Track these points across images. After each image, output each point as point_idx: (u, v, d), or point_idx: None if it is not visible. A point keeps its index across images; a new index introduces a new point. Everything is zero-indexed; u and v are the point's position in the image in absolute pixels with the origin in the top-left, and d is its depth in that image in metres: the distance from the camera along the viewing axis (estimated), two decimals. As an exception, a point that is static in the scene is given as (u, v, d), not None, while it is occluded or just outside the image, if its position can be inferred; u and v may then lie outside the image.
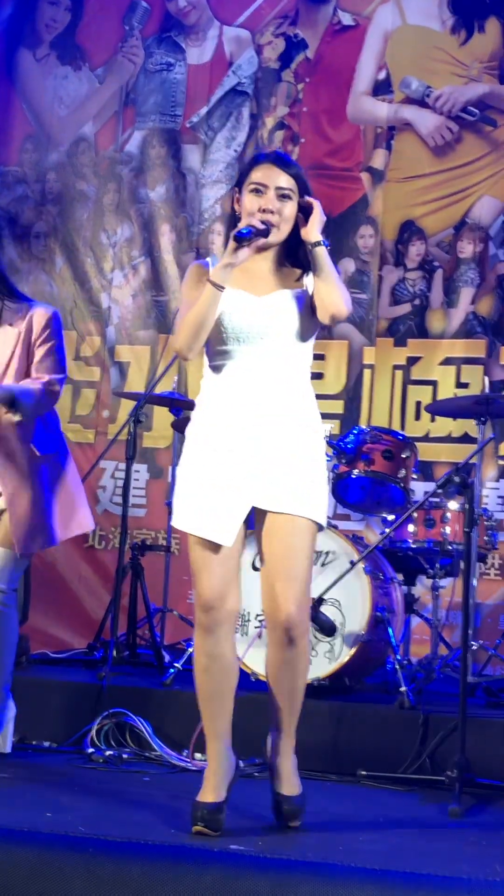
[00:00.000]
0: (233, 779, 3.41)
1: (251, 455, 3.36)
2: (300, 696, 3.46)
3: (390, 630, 4.75)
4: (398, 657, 4.73)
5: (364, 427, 5.49)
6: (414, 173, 6.66)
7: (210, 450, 3.38)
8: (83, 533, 4.30)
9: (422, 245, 6.58)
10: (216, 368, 3.43)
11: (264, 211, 3.38)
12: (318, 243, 3.36)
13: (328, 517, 5.15)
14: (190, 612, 6.05)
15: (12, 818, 3.27)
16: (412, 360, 6.53)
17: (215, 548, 3.35)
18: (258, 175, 3.42)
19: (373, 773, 4.24)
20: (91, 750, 4.30)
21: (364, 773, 4.25)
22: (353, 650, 4.67)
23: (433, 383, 6.46)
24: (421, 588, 5.54)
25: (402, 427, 6.31)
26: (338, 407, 6.59)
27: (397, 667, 4.65)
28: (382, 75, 6.77)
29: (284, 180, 3.40)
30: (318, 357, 6.72)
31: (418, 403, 6.43)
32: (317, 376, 6.67)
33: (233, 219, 3.50)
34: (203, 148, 7.09)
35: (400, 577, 5.18)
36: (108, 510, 6.85)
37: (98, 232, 7.21)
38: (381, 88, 6.76)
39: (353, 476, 5.15)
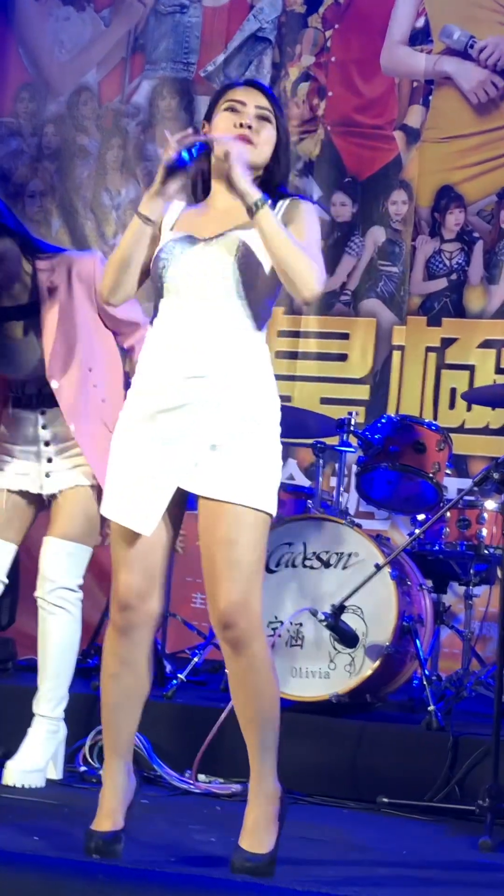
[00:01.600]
0: (132, 802, 3.32)
1: (174, 428, 3.19)
2: (264, 726, 3.22)
3: (418, 642, 4.75)
4: (426, 672, 4.74)
5: (392, 415, 5.50)
6: (453, 133, 6.65)
7: (134, 422, 3.24)
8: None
9: (461, 213, 6.57)
10: (154, 325, 3.29)
11: (241, 126, 3.27)
12: (258, 203, 3.16)
13: (349, 515, 5.19)
14: (196, 618, 6.08)
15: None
16: (447, 342, 6.52)
17: (137, 538, 3.20)
18: (235, 94, 3.32)
19: (395, 800, 4.25)
20: (83, 768, 4.31)
21: (386, 800, 4.26)
22: (376, 663, 4.68)
23: (470, 368, 6.46)
24: (452, 596, 5.55)
25: (435, 416, 6.30)
26: (363, 392, 6.60)
27: (425, 683, 4.66)
28: (421, 23, 6.76)
29: (266, 100, 3.33)
30: (342, 336, 6.78)
31: (453, 390, 6.43)
32: (340, 358, 6.70)
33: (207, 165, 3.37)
34: (219, 100, 7.08)
35: (429, 583, 5.18)
36: (105, 502, 6.85)
37: (100, 192, 7.22)
38: (419, 37, 6.75)
39: (380, 470, 5.15)
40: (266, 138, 3.32)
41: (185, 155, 3.20)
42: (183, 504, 3.29)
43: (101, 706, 3.32)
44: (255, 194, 3.17)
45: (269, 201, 3.20)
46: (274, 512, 3.26)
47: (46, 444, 4.23)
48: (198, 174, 3.39)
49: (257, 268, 3.24)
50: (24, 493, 4.27)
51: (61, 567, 4.17)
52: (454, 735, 4.40)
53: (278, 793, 3.28)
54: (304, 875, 3.29)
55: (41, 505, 4.29)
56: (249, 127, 3.29)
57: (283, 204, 3.32)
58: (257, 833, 3.22)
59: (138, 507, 3.20)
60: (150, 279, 3.30)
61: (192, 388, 3.19)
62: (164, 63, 7.23)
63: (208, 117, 3.37)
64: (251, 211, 3.17)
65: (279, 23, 7.01)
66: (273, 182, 3.35)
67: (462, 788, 4.28)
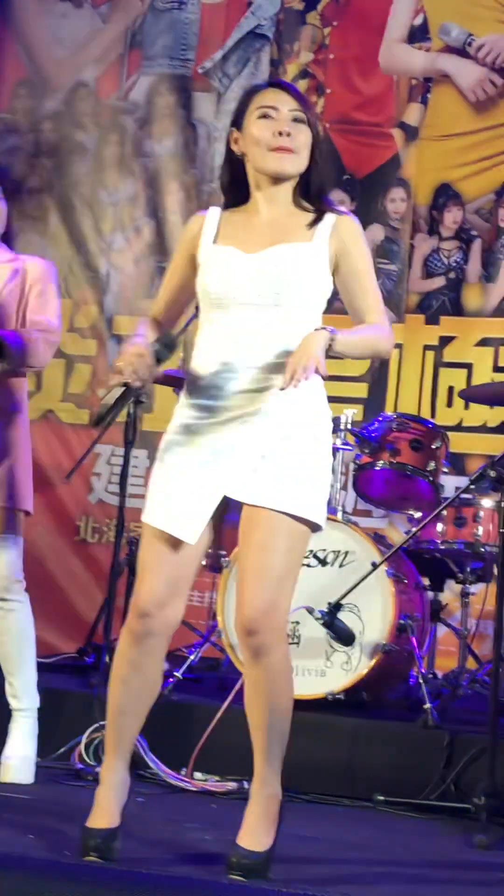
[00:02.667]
0: (126, 801, 3.32)
1: (227, 439, 3.19)
2: (274, 734, 3.24)
3: (414, 640, 4.76)
4: (422, 670, 4.75)
5: (390, 413, 5.52)
6: (452, 131, 6.65)
7: (183, 432, 3.25)
8: (23, 510, 4.30)
9: (459, 211, 6.58)
10: (202, 338, 3.30)
11: (280, 134, 3.20)
12: (331, 342, 3.14)
13: (347, 513, 5.20)
14: (193, 616, 6.07)
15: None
16: (445, 340, 6.53)
17: (172, 546, 3.20)
18: (265, 99, 3.26)
19: (391, 798, 4.26)
20: (79, 766, 4.32)
21: (381, 797, 4.27)
22: (373, 661, 4.69)
23: (468, 366, 6.46)
24: (449, 594, 5.55)
25: (433, 415, 6.31)
26: (361, 391, 6.60)
27: (421, 681, 4.67)
28: (419, 20, 6.76)
29: (297, 103, 3.25)
30: (340, 334, 6.76)
31: (451, 388, 6.43)
32: (338, 356, 6.69)
33: (231, 164, 3.32)
34: (216, 97, 7.10)
35: (426, 581, 5.19)
36: (102, 500, 6.86)
37: (97, 188, 7.22)
38: (418, 35, 6.75)
39: (377, 468, 5.16)
40: (304, 142, 3.26)
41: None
42: (223, 515, 3.28)
43: (108, 706, 3.33)
44: (325, 342, 3.12)
45: (328, 329, 3.15)
46: (320, 522, 3.23)
47: None
48: (230, 179, 3.34)
49: (304, 282, 3.24)
50: None
51: (6, 564, 4.19)
52: (450, 733, 4.42)
53: (279, 796, 3.29)
54: (300, 873, 3.31)
55: None
56: (289, 134, 3.24)
57: (330, 221, 3.29)
58: (256, 832, 3.23)
59: (183, 515, 3.20)
60: (198, 292, 3.30)
61: (243, 402, 3.20)
62: (161, 59, 7.23)
63: (237, 124, 3.31)
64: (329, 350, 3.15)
65: (277, 20, 7.01)
66: (312, 186, 3.31)
67: (458, 786, 4.29)
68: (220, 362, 3.23)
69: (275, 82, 3.38)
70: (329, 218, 3.30)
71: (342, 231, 3.30)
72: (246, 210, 3.34)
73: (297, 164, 3.26)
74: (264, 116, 3.25)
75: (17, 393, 4.26)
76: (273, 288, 3.20)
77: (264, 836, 3.24)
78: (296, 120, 3.25)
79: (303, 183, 3.30)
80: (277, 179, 3.28)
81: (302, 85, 6.89)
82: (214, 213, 3.35)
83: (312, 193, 3.30)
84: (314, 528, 3.23)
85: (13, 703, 4.25)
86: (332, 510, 5.04)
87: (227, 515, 3.31)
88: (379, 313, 3.35)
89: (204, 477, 3.20)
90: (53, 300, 4.25)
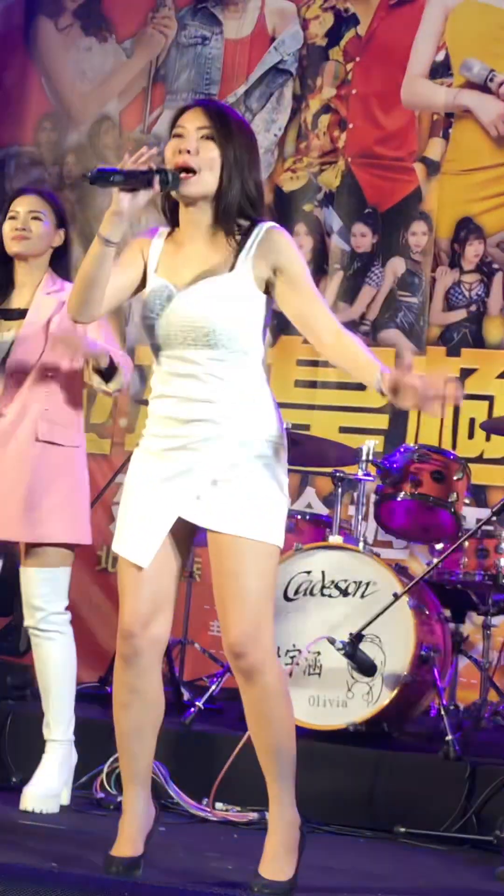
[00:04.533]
0: (152, 830, 3.35)
1: (177, 465, 3.24)
2: (281, 755, 3.25)
3: (436, 672, 4.75)
4: (444, 702, 4.74)
5: (411, 445, 5.50)
6: (473, 166, 6.67)
7: (142, 462, 3.31)
8: (80, 544, 4.31)
9: (480, 245, 6.59)
10: (154, 371, 3.35)
11: (180, 152, 3.19)
12: (380, 387, 3.20)
13: (368, 544, 5.19)
14: (213, 645, 6.08)
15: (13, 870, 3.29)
16: (466, 373, 6.53)
17: (141, 568, 3.24)
18: (181, 119, 3.25)
19: (412, 829, 4.24)
20: (101, 795, 4.32)
21: (402, 829, 4.25)
22: (394, 693, 4.68)
23: (489, 398, 6.46)
24: (470, 626, 5.54)
25: (454, 446, 6.31)
26: (382, 422, 6.60)
27: (442, 713, 4.65)
28: (441, 56, 6.79)
29: (207, 120, 3.23)
30: (362, 366, 6.77)
31: (472, 420, 6.43)
32: (360, 387, 6.70)
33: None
34: (239, 131, 7.12)
35: (447, 612, 5.18)
36: (123, 529, 6.87)
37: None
38: (439, 71, 6.78)
39: (399, 499, 5.16)
40: (209, 160, 3.22)
41: (99, 169, 3.18)
42: (191, 534, 3.33)
43: (116, 736, 3.34)
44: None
45: (380, 374, 3.21)
46: (280, 543, 3.28)
47: None
48: (164, 199, 3.34)
49: (236, 311, 3.24)
50: None
51: (46, 594, 4.20)
52: (472, 765, 4.40)
53: (297, 821, 3.30)
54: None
55: None
56: (188, 152, 3.22)
57: (255, 240, 3.26)
58: (277, 861, 3.24)
59: (139, 540, 3.25)
60: (141, 324, 3.33)
61: (192, 430, 3.25)
62: (185, 94, 7.27)
63: None
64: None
65: (300, 55, 7.05)
66: (220, 205, 3.25)
67: (479, 819, 4.27)
68: (168, 395, 3.28)
69: (197, 102, 3.35)
70: (253, 235, 3.27)
71: (269, 246, 3.26)
72: (177, 236, 3.34)
73: (196, 185, 3.22)
74: (176, 136, 3.25)
75: (69, 426, 4.26)
76: (203, 331, 3.22)
77: (286, 866, 3.24)
78: (203, 137, 3.23)
79: (217, 203, 3.26)
80: (189, 202, 3.27)
81: (325, 120, 6.94)
82: (159, 238, 3.35)
83: (223, 212, 3.25)
84: (279, 547, 3.28)
85: (45, 732, 4.25)
86: (353, 540, 5.05)
87: (200, 537, 3.36)
88: (331, 319, 3.29)
89: (155, 501, 3.25)
90: (111, 332, 4.25)
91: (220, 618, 3.27)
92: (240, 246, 3.27)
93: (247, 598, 3.21)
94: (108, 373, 4.03)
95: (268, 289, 3.29)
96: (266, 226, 3.29)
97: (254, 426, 3.29)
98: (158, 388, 3.33)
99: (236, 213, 3.28)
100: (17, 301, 4.29)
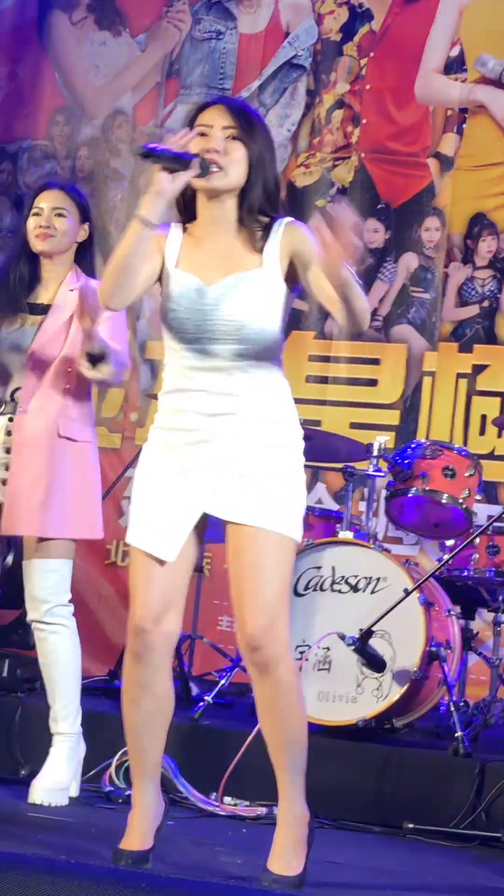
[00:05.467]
0: (161, 824, 3.34)
1: (200, 459, 3.23)
2: (293, 749, 3.25)
3: (445, 668, 4.74)
4: (453, 698, 4.72)
5: (422, 441, 5.49)
6: (487, 161, 6.66)
7: (158, 454, 3.29)
8: (92, 539, 4.31)
9: (493, 241, 6.58)
10: (169, 365, 3.33)
11: (208, 152, 3.21)
12: (344, 284, 3.14)
13: (378, 539, 5.19)
14: (223, 640, 6.08)
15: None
16: (478, 369, 6.52)
17: (158, 563, 3.23)
18: (204, 117, 3.28)
19: (421, 825, 4.24)
20: (109, 788, 4.32)
21: (411, 825, 4.25)
22: (404, 689, 4.67)
23: (501, 394, 6.44)
24: (481, 622, 5.52)
25: (465, 442, 6.29)
26: (393, 418, 6.60)
27: (452, 709, 4.64)
28: (455, 52, 6.77)
29: (233, 119, 3.27)
30: (373, 362, 6.78)
31: (484, 417, 6.42)
32: (371, 383, 6.70)
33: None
34: (253, 126, 7.11)
35: (458, 609, 5.16)
36: (134, 523, 6.86)
37: (132, 215, 7.23)
38: (454, 66, 6.76)
39: (409, 495, 5.14)
40: (236, 159, 3.26)
41: (152, 146, 3.19)
42: (203, 528, 3.32)
43: (125, 731, 3.34)
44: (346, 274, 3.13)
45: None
46: (299, 538, 3.29)
47: (7, 451, 4.23)
48: (181, 196, 3.32)
49: (264, 313, 3.27)
50: None
51: (50, 587, 4.19)
52: (481, 762, 4.39)
53: (307, 816, 3.29)
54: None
55: None
56: (217, 151, 3.24)
57: (277, 236, 3.28)
58: (286, 856, 3.23)
59: (162, 534, 3.24)
60: (161, 317, 3.31)
61: (214, 424, 3.25)
62: (198, 88, 7.26)
63: None
64: (342, 286, 3.14)
65: (314, 50, 7.04)
66: (246, 202, 3.28)
67: (488, 815, 4.27)
68: (189, 389, 3.27)
69: (218, 99, 3.38)
70: (274, 230, 3.29)
71: (289, 239, 3.28)
72: (196, 231, 3.34)
73: (224, 180, 3.25)
74: (201, 134, 3.26)
75: (83, 421, 4.26)
76: (235, 324, 3.23)
77: (294, 860, 3.24)
78: (230, 137, 3.26)
79: (241, 200, 3.29)
80: (213, 196, 3.28)
81: (338, 115, 6.92)
82: (175, 234, 3.33)
83: (247, 210, 3.28)
84: (296, 542, 3.29)
85: (52, 726, 4.25)
86: (363, 536, 5.04)
87: (206, 533, 3.35)
88: None
89: (181, 496, 3.24)
90: (123, 326, 4.23)
91: (236, 610, 3.25)
92: (263, 241, 3.29)
93: (266, 591, 3.20)
94: (97, 358, 4.02)
95: (289, 281, 3.31)
96: (285, 221, 3.32)
97: (276, 420, 3.31)
98: (176, 383, 3.31)
99: (258, 210, 3.31)
100: (42, 296, 4.30)
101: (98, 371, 4.03)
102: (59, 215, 4.28)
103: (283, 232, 3.29)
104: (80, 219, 4.32)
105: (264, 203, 3.30)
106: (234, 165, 3.25)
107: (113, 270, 3.24)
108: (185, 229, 3.36)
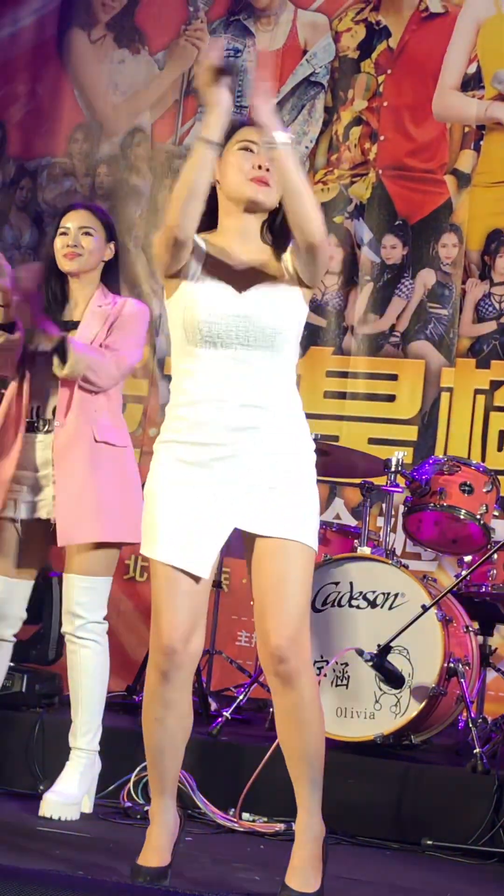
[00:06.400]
0: (178, 839, 3.34)
1: (229, 474, 3.23)
2: (313, 762, 3.26)
3: (463, 684, 4.72)
4: (471, 715, 4.70)
5: (440, 456, 5.48)
6: (504, 178, 6.67)
7: (182, 468, 3.26)
8: (136, 543, 4.32)
9: (510, 257, 6.58)
10: (187, 374, 3.29)
11: (259, 167, 3.27)
12: (284, 142, 3.17)
13: (396, 555, 5.18)
14: (241, 656, 6.07)
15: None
16: (496, 385, 6.51)
17: (185, 580, 3.22)
18: (248, 134, 3.32)
19: (439, 842, 4.22)
20: (128, 804, 4.31)
21: (430, 842, 4.23)
22: (422, 705, 4.65)
23: (519, 411, 6.45)
24: (499, 638, 5.51)
25: (483, 458, 6.29)
26: (411, 433, 6.59)
27: (470, 725, 4.62)
28: (473, 69, 6.78)
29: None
30: (391, 378, 6.78)
31: (501, 432, 6.41)
32: (389, 399, 6.70)
33: (212, 197, 3.33)
34: (271, 143, 7.13)
35: (476, 625, 5.15)
36: (152, 539, 6.86)
37: (151, 232, 7.26)
38: (471, 83, 6.77)
39: (427, 510, 5.13)
40: (277, 182, 3.30)
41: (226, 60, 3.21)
42: (223, 544, 3.31)
43: (146, 749, 3.33)
44: (278, 128, 3.18)
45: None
46: (316, 547, 3.33)
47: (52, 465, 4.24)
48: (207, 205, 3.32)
49: (293, 322, 3.31)
50: (38, 522, 4.26)
51: (87, 602, 4.21)
52: (499, 779, 4.37)
53: (323, 832, 3.29)
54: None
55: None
56: (268, 169, 3.30)
57: (288, 250, 3.35)
58: (305, 872, 3.23)
59: (194, 551, 3.23)
60: (182, 322, 3.28)
61: (240, 439, 3.25)
62: (216, 106, 7.27)
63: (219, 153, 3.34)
64: (271, 144, 3.17)
65: (332, 68, 7.05)
66: (277, 223, 3.35)
67: (507, 832, 4.25)
68: (212, 399, 3.26)
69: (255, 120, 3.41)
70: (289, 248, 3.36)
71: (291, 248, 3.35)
72: (219, 240, 3.36)
73: (269, 196, 3.31)
74: (245, 149, 3.32)
75: (117, 426, 4.28)
76: (267, 331, 3.25)
77: (313, 877, 3.24)
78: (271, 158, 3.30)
79: (270, 220, 3.36)
80: (249, 210, 3.33)
81: (356, 132, 6.93)
82: (199, 241, 3.34)
83: (280, 229, 3.34)
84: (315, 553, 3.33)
85: (71, 740, 4.25)
86: (381, 552, 5.03)
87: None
88: None
89: (212, 512, 3.24)
90: (134, 336, 4.27)
91: (259, 622, 3.26)
92: (281, 254, 3.35)
93: (290, 603, 3.22)
94: (62, 356, 4.09)
95: (302, 289, 3.35)
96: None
97: (297, 436, 3.34)
98: (198, 392, 3.27)
99: (281, 230, 3.35)
100: (75, 314, 4.34)
101: (63, 368, 4.09)
102: (87, 234, 4.31)
103: (290, 248, 3.35)
104: (106, 238, 4.36)
105: (287, 227, 3.33)
106: (276, 187, 3.30)
107: (181, 196, 3.20)
108: (206, 239, 3.38)
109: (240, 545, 3.35)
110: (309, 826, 3.27)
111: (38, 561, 4.32)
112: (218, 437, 3.24)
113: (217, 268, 3.31)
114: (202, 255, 3.32)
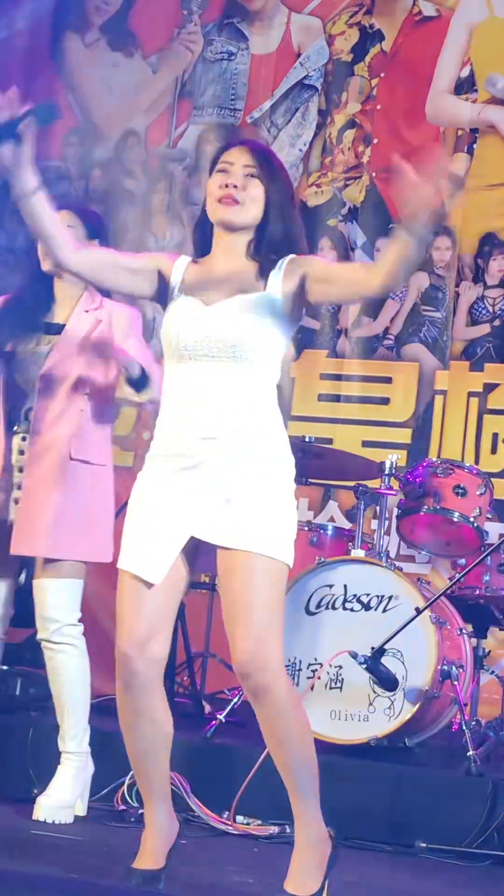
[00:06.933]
0: (174, 844, 3.34)
1: (193, 483, 3.25)
2: (300, 772, 3.25)
3: (457, 687, 4.73)
4: (465, 717, 4.71)
5: (434, 459, 5.49)
6: (497, 181, 6.66)
7: (152, 481, 3.30)
8: (101, 562, 4.31)
9: (503, 260, 6.58)
10: (167, 387, 3.35)
11: (226, 186, 3.32)
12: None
13: (390, 558, 5.18)
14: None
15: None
16: (489, 387, 6.51)
17: (141, 586, 3.24)
18: (226, 156, 3.39)
19: (433, 845, 4.22)
20: (122, 807, 4.31)
21: (423, 844, 4.23)
22: (416, 707, 4.66)
23: (512, 413, 6.45)
24: (493, 641, 5.51)
25: (477, 461, 6.29)
26: (405, 436, 6.59)
27: (464, 728, 4.63)
28: (466, 72, 6.79)
29: (253, 159, 3.36)
30: (385, 380, 6.79)
31: (495, 435, 6.41)
32: (383, 401, 6.70)
33: (202, 216, 3.42)
34: (264, 146, 7.14)
35: (469, 628, 5.16)
36: (146, 542, 6.86)
37: (145, 235, 7.27)
38: (464, 87, 6.77)
39: (421, 513, 5.14)
40: (253, 196, 3.34)
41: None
42: (195, 552, 3.33)
43: (129, 756, 3.34)
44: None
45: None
46: (290, 562, 3.28)
47: (20, 470, 4.23)
48: (199, 230, 3.42)
49: (260, 334, 3.29)
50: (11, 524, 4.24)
51: (60, 606, 4.20)
52: (493, 781, 4.38)
53: (323, 836, 3.28)
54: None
55: None
56: (235, 186, 3.32)
57: (281, 265, 3.34)
58: (301, 876, 3.23)
59: (151, 558, 3.24)
60: (162, 342, 3.36)
61: (206, 448, 3.25)
62: (210, 109, 7.29)
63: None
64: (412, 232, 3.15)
65: (326, 71, 7.06)
66: (262, 239, 3.35)
67: (500, 834, 4.25)
68: (180, 412, 3.29)
69: (242, 141, 3.47)
70: (279, 265, 3.35)
71: (293, 267, 3.34)
72: (206, 261, 3.42)
73: (240, 215, 3.34)
74: (221, 171, 3.37)
75: (100, 444, 4.26)
76: (230, 342, 3.26)
77: (309, 881, 3.23)
78: (248, 175, 3.35)
79: (256, 237, 3.37)
80: (228, 229, 3.36)
81: (349, 135, 6.94)
82: (182, 262, 3.42)
83: (262, 245, 3.36)
84: (288, 566, 3.28)
85: (60, 744, 4.25)
86: (375, 554, 5.04)
87: (201, 558, 3.36)
88: (361, 266, 3.54)
89: (169, 520, 3.25)
90: (145, 347, 4.24)
91: (228, 636, 3.25)
92: (268, 272, 3.35)
93: (253, 616, 3.19)
94: (139, 382, 4.03)
95: (296, 307, 3.35)
96: (289, 256, 3.37)
97: (267, 448, 3.31)
98: (171, 405, 3.32)
99: (273, 248, 3.36)
100: (58, 316, 4.31)
101: (144, 393, 4.04)
102: None
103: (287, 263, 3.35)
104: (85, 235, 4.31)
105: (280, 242, 3.36)
106: (251, 202, 3.34)
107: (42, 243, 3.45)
108: (195, 262, 3.43)
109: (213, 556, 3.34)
110: (304, 831, 3.26)
111: (17, 561, 4.30)
112: (186, 448, 3.26)
113: (194, 286, 3.36)
114: (181, 276, 3.39)
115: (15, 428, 4.23)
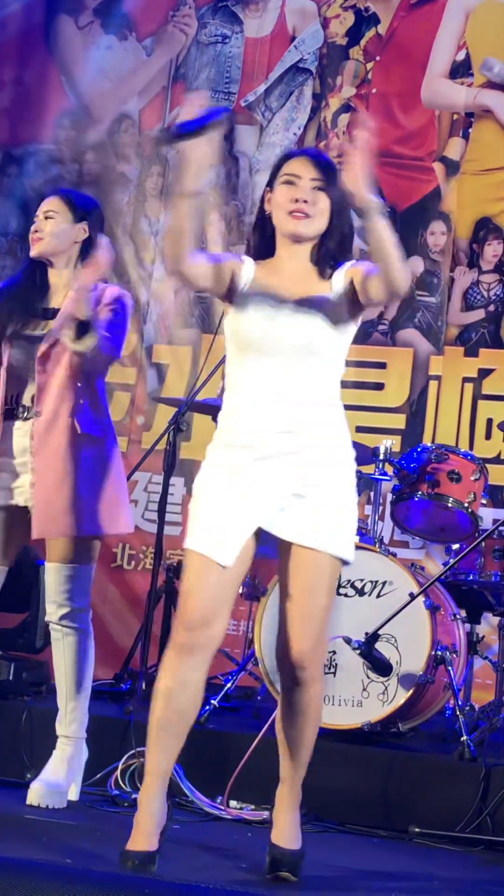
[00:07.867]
0: (165, 826, 3.40)
1: (265, 475, 3.41)
2: (307, 748, 3.52)
3: (451, 672, 4.74)
4: (459, 702, 4.72)
5: (428, 445, 5.49)
6: (492, 165, 6.67)
7: (223, 469, 3.45)
8: (123, 533, 4.34)
9: (499, 245, 6.58)
10: (240, 380, 3.50)
11: (297, 201, 3.47)
12: (377, 207, 3.33)
13: (384, 543, 5.19)
14: (229, 644, 6.06)
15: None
16: (484, 373, 6.52)
17: (214, 570, 3.38)
18: (291, 167, 3.53)
19: (427, 829, 4.23)
20: (115, 792, 4.32)
21: (416, 829, 4.24)
22: (409, 692, 4.67)
23: (507, 399, 6.46)
24: (486, 626, 5.52)
25: (471, 446, 6.29)
26: (399, 422, 6.60)
27: (457, 713, 4.64)
28: (461, 56, 6.78)
29: (319, 172, 3.51)
30: (379, 366, 6.79)
31: (489, 421, 6.42)
32: (377, 387, 6.71)
33: (264, 221, 3.57)
34: (259, 130, 7.13)
35: (463, 613, 5.17)
36: (139, 527, 6.84)
37: (139, 218, 7.26)
38: (460, 70, 6.77)
39: (415, 499, 5.15)
40: (322, 209, 3.51)
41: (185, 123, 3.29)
42: (256, 545, 3.47)
43: (149, 724, 3.41)
44: (373, 199, 3.32)
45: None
46: (352, 559, 3.47)
47: (33, 454, 4.22)
48: (261, 234, 3.56)
49: (332, 332, 3.47)
50: (16, 509, 4.24)
51: (70, 590, 4.20)
52: (486, 766, 4.38)
53: (300, 800, 3.56)
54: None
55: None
56: (305, 201, 3.47)
57: (342, 270, 3.50)
58: (292, 831, 3.49)
59: (221, 541, 3.39)
60: (232, 334, 3.51)
61: (281, 441, 3.42)
62: (205, 92, 7.26)
63: (270, 185, 3.56)
64: (368, 212, 3.30)
65: (320, 54, 7.05)
66: (325, 247, 3.52)
67: (494, 819, 4.26)
68: (255, 404, 3.46)
69: (305, 151, 3.63)
70: (341, 266, 3.53)
71: (349, 266, 3.52)
72: (271, 264, 3.57)
73: (311, 227, 3.51)
74: (287, 183, 3.51)
75: (99, 417, 4.27)
76: (306, 339, 3.45)
77: (298, 836, 3.51)
78: (316, 188, 3.50)
79: (320, 244, 3.54)
80: (296, 239, 3.52)
81: (344, 119, 6.93)
82: (249, 263, 3.56)
83: (325, 253, 3.53)
84: (346, 563, 3.50)
85: (58, 727, 4.26)
86: (369, 540, 5.04)
87: (260, 549, 3.51)
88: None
89: (241, 508, 3.41)
90: (121, 322, 4.24)
91: (283, 626, 3.43)
92: (331, 273, 3.53)
93: (317, 615, 3.43)
94: (80, 329, 4.05)
95: (354, 306, 3.50)
96: (351, 261, 3.54)
97: (337, 444, 3.51)
98: (245, 397, 3.46)
99: (335, 254, 3.54)
100: (54, 301, 4.31)
101: (80, 343, 4.06)
102: (48, 218, 4.29)
103: (346, 266, 3.51)
104: (73, 219, 4.29)
105: (338, 248, 3.53)
106: (321, 215, 3.50)
107: (167, 242, 3.50)
108: (259, 264, 3.58)
109: (275, 544, 3.49)
110: (291, 794, 3.53)
111: (14, 547, 4.30)
112: (261, 440, 3.41)
113: (263, 287, 3.50)
114: (250, 278, 3.52)
115: (24, 413, 4.23)
